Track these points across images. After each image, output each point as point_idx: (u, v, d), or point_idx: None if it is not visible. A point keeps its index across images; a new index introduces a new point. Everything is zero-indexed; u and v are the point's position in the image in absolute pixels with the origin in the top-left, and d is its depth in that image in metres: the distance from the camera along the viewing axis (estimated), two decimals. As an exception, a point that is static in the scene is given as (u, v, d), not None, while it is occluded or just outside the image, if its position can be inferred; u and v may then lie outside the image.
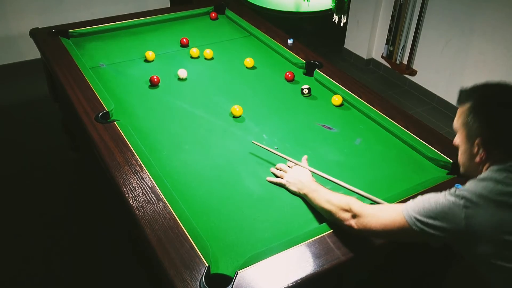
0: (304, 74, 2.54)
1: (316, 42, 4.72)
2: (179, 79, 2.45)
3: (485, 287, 2.24)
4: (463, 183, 1.29)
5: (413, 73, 3.90)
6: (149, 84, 2.38)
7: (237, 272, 1.34)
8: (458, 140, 1.33)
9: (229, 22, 3.13)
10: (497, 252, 1.18)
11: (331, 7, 4.47)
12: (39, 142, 3.19)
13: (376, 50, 4.26)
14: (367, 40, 4.22)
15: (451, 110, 3.65)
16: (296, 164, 1.77)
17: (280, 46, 2.73)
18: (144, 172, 1.72)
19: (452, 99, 3.63)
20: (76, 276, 2.29)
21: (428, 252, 1.82)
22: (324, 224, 1.57)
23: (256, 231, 1.56)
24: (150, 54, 2.60)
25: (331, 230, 1.50)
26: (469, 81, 3.53)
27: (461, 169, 1.38)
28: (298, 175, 1.71)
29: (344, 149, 1.98)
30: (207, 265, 1.36)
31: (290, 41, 2.74)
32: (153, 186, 1.66)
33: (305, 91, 2.32)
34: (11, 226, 2.56)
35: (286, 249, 1.43)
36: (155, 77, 2.38)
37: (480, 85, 1.31)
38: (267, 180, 1.76)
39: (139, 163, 1.77)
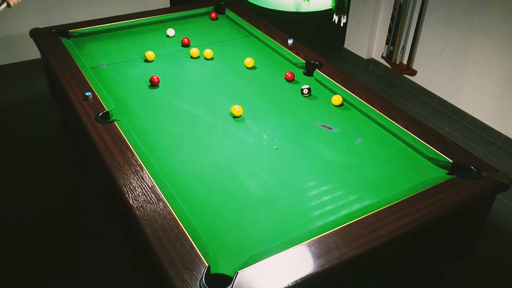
0: (304, 74, 2.54)
1: (316, 42, 4.72)
2: (167, 36, 2.87)
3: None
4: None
5: (413, 73, 3.90)
6: (149, 84, 2.39)
7: (237, 272, 1.34)
8: None
9: (229, 22, 3.13)
10: None
11: (331, 7, 4.47)
12: (39, 142, 3.19)
13: (376, 50, 4.26)
14: (367, 40, 4.22)
15: (451, 110, 3.65)
16: None
17: (280, 46, 2.73)
18: (144, 172, 1.72)
19: (452, 99, 3.63)
20: (75, 276, 2.29)
21: (428, 253, 1.82)
22: (324, 224, 1.57)
23: (256, 231, 1.56)
24: (150, 54, 2.61)
25: (331, 230, 1.50)
26: (469, 81, 3.55)
27: None
28: None
29: (344, 149, 1.98)
30: (207, 265, 1.36)
31: (290, 41, 2.74)
32: (153, 186, 1.66)
33: (305, 91, 2.32)
34: (10, 226, 2.56)
35: (286, 249, 1.43)
36: (155, 77, 2.38)
37: None
38: None
39: (139, 163, 1.77)
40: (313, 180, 1.80)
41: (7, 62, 3.95)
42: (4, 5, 2.39)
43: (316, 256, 1.40)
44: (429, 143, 1.93)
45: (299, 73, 2.53)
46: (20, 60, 3.98)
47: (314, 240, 1.46)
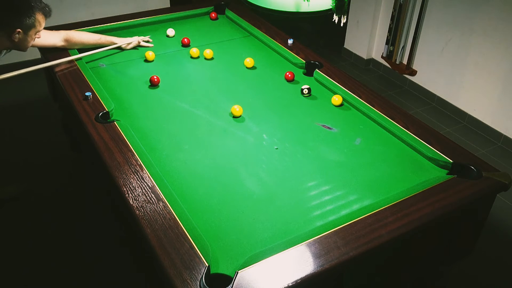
0: (304, 74, 2.54)
1: (316, 42, 4.72)
2: (167, 36, 2.88)
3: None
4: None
5: (413, 73, 3.90)
6: (149, 84, 2.39)
7: (237, 272, 1.34)
8: None
9: (229, 22, 3.13)
10: None
11: (331, 7, 4.47)
12: (39, 142, 3.19)
13: (376, 50, 4.26)
14: (367, 40, 4.22)
15: (451, 110, 3.65)
16: None
17: (280, 46, 2.73)
18: (144, 172, 1.72)
19: (452, 99, 3.63)
20: (74, 276, 2.29)
21: (428, 253, 1.82)
22: (324, 224, 1.57)
23: (256, 231, 1.56)
24: (150, 54, 2.61)
25: (331, 230, 1.50)
26: (469, 81, 3.55)
27: None
28: None
29: (344, 149, 1.98)
30: (207, 265, 1.36)
31: (290, 41, 2.74)
32: (153, 186, 1.66)
33: (305, 91, 2.32)
34: (10, 225, 2.56)
35: (286, 249, 1.43)
36: (155, 77, 2.38)
37: None
38: None
39: (139, 163, 1.77)
40: (313, 180, 1.80)
41: (7, 62, 3.94)
42: (134, 43, 2.72)
43: (316, 256, 1.40)
44: (429, 143, 1.93)
45: (299, 73, 2.53)
46: (20, 60, 3.98)
47: (314, 240, 1.46)
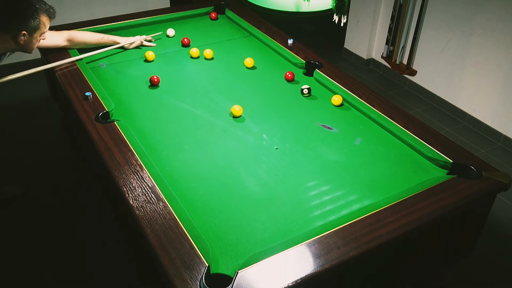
0: (304, 74, 2.54)
1: (316, 42, 4.72)
2: (167, 36, 2.89)
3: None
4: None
5: (413, 73, 3.90)
6: (149, 84, 2.39)
7: (237, 272, 1.34)
8: None
9: (229, 22, 3.13)
10: None
11: (331, 7, 4.47)
12: (39, 142, 3.19)
13: (376, 50, 4.26)
14: (367, 40, 4.22)
15: (451, 110, 3.65)
16: None
17: (280, 46, 2.73)
18: (144, 172, 1.72)
19: (452, 99, 3.63)
20: (73, 275, 2.29)
21: (428, 253, 1.82)
22: (324, 224, 1.57)
23: (256, 231, 1.56)
24: (150, 54, 2.61)
25: (331, 230, 1.50)
26: (469, 81, 3.55)
27: None
28: None
29: (344, 149, 1.98)
30: (207, 265, 1.36)
31: (290, 41, 2.74)
32: (153, 186, 1.66)
33: (305, 91, 2.32)
34: (9, 225, 2.56)
35: (286, 249, 1.43)
36: (155, 77, 2.38)
37: None
38: None
39: (139, 163, 1.77)
40: (313, 180, 1.80)
41: (7, 62, 3.94)
42: (136, 43, 2.73)
43: (316, 256, 1.40)
44: (429, 143, 1.93)
45: (299, 73, 2.53)
46: (20, 60, 3.98)
47: (314, 240, 1.46)
